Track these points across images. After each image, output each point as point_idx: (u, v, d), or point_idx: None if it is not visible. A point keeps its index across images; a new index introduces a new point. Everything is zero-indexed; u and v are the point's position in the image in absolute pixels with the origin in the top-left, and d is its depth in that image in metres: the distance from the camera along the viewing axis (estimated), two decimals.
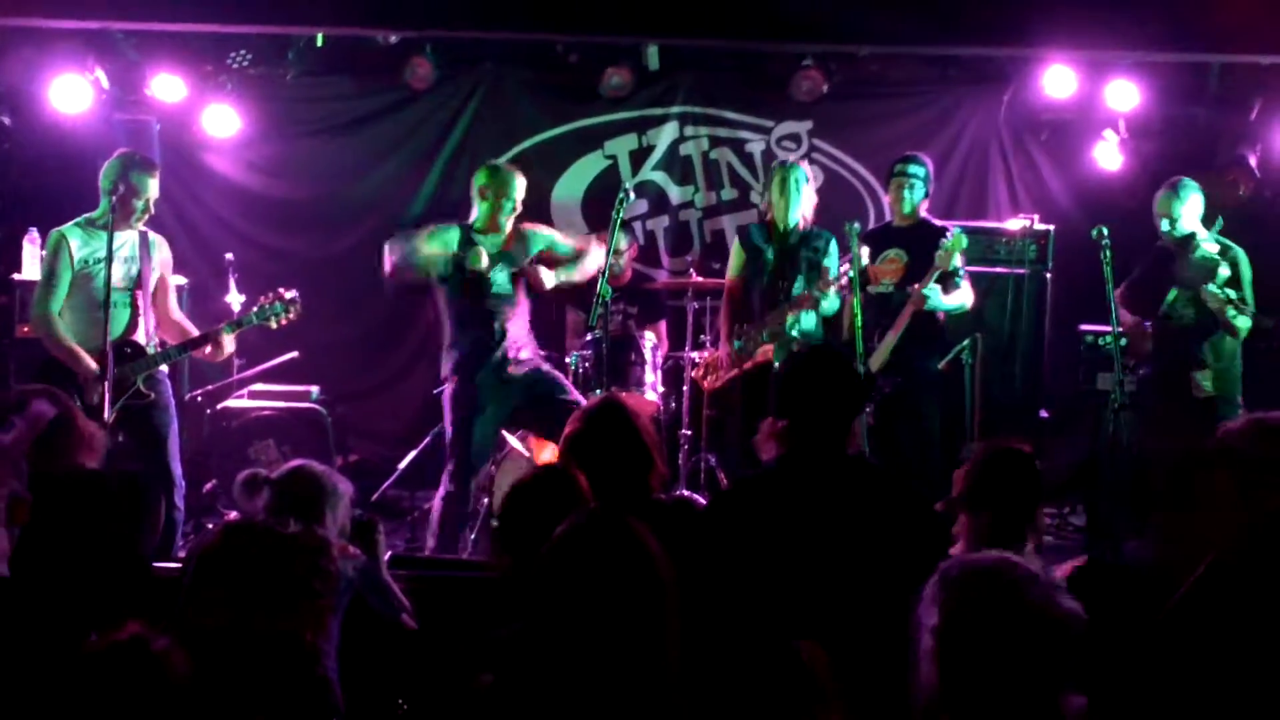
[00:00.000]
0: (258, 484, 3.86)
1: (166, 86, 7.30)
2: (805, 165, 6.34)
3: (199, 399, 7.12)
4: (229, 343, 5.84)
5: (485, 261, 5.99)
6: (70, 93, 7.12)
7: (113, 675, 2.29)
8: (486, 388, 6.01)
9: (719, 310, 6.77)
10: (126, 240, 5.75)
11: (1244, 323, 6.18)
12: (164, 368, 5.82)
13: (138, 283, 5.76)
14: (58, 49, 7.08)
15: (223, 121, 7.56)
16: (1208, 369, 6.23)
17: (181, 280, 7.03)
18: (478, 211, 6.13)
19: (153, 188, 5.79)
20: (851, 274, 5.82)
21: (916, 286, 6.11)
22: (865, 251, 6.03)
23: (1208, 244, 6.29)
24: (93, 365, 5.50)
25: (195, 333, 5.87)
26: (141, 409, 5.65)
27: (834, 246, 6.39)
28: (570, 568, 2.30)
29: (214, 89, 7.51)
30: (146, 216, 5.82)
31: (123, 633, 2.38)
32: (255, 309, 5.92)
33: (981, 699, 2.15)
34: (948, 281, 6.19)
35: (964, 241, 6.17)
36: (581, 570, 2.29)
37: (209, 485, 6.74)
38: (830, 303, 6.32)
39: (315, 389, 7.23)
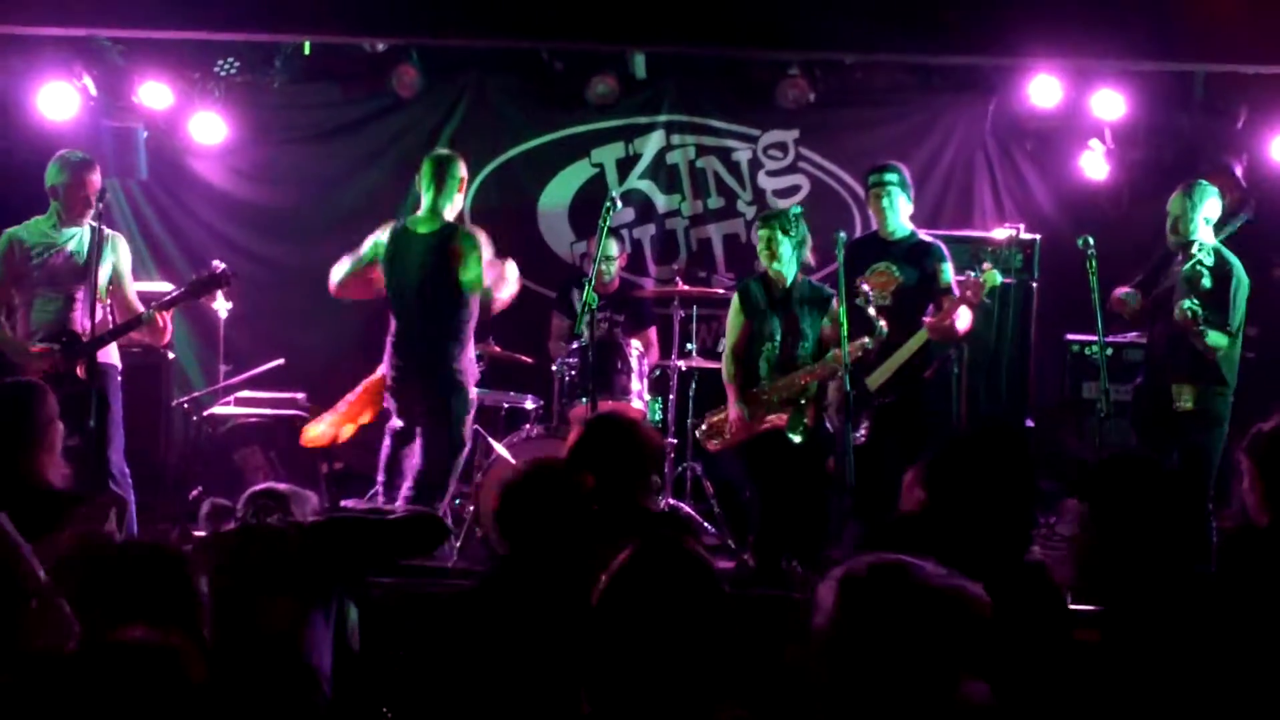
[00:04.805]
0: (222, 514, 3.86)
1: (154, 94, 7.33)
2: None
3: (185, 406, 7.10)
4: (162, 321, 5.88)
5: None
6: (58, 100, 7.14)
7: (130, 672, 2.26)
8: None
9: (721, 368, 6.40)
10: (74, 235, 5.94)
11: (1216, 339, 5.89)
12: (116, 361, 5.99)
13: (82, 276, 5.87)
14: (45, 56, 7.09)
15: (210, 128, 7.58)
16: (1187, 384, 6.00)
17: (168, 286, 7.03)
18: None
19: (94, 181, 5.95)
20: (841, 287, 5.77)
21: (948, 317, 5.99)
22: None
23: (1204, 255, 6.03)
24: (35, 358, 5.74)
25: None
26: (80, 399, 5.62)
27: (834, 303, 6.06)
28: (637, 592, 2.39)
29: (201, 96, 7.54)
30: (94, 210, 5.93)
31: (138, 630, 2.35)
32: (186, 286, 6.07)
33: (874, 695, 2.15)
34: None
35: (997, 279, 6.07)
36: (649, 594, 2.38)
37: (194, 492, 6.72)
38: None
39: (301, 395, 7.22)
